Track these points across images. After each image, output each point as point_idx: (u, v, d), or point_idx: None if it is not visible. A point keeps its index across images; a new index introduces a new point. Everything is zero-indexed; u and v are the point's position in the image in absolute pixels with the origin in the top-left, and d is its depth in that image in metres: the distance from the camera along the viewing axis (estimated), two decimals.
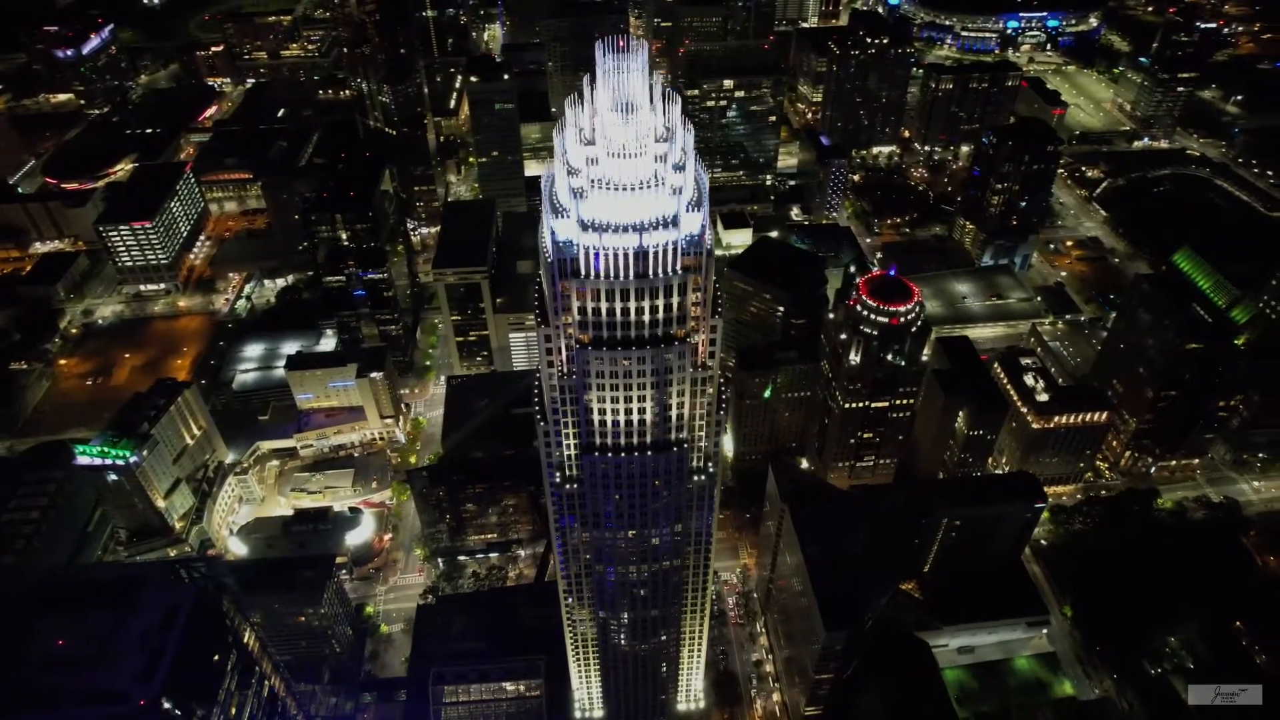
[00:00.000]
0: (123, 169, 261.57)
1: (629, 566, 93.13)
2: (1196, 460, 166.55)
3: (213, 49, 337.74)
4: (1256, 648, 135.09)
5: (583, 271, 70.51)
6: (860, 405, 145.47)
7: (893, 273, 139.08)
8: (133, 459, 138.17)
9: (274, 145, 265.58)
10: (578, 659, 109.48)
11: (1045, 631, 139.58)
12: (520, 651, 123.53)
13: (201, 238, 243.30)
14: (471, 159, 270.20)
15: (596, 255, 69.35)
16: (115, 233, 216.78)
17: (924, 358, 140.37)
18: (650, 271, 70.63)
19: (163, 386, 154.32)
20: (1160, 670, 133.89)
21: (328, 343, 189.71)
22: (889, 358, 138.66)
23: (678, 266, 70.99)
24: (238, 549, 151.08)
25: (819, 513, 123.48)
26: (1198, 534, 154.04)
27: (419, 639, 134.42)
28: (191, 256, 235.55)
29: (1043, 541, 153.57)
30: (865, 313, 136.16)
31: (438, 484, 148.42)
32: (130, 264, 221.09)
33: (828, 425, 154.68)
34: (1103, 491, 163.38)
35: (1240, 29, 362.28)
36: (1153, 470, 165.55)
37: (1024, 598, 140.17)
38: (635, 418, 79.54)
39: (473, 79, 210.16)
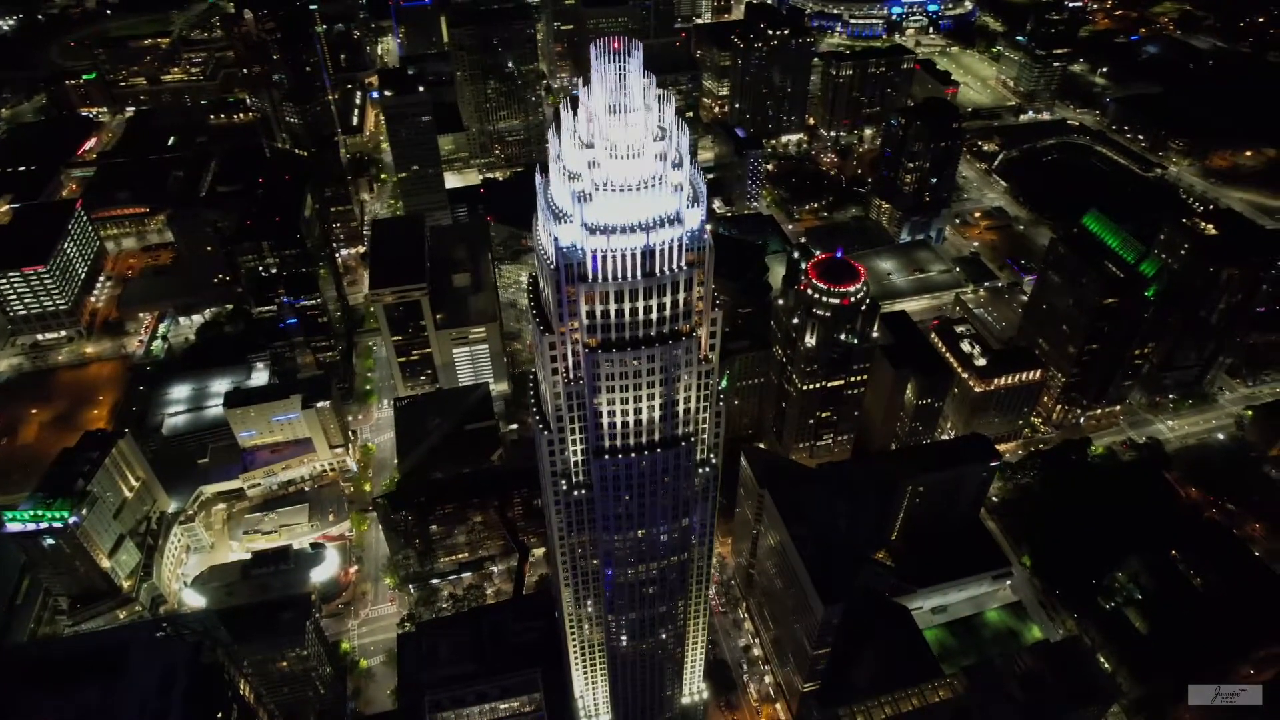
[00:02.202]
0: None
1: (638, 566, 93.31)
2: (1118, 407, 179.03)
3: (84, 77, 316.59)
4: (1191, 572, 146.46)
5: (590, 275, 70.40)
6: (817, 385, 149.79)
7: (839, 254, 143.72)
8: (72, 519, 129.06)
9: (169, 175, 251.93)
10: (583, 665, 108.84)
11: (1009, 583, 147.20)
12: (512, 667, 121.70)
13: (101, 278, 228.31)
14: (384, 175, 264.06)
15: (604, 258, 69.41)
16: (5, 280, 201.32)
17: (875, 334, 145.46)
18: (657, 270, 71.18)
19: (93, 439, 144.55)
20: (1114, 604, 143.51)
21: (260, 376, 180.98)
22: (842, 337, 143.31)
23: (682, 263, 71.78)
24: (194, 601, 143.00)
25: (797, 493, 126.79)
26: (1128, 475, 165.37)
27: (404, 669, 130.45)
28: (93, 299, 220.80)
29: (994, 498, 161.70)
30: (816, 295, 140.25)
31: (403, 509, 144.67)
32: (24, 312, 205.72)
33: (786, 408, 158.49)
34: (1041, 445, 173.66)
35: (1095, 6, 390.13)
36: (1082, 420, 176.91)
37: (986, 553, 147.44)
38: (644, 416, 79.90)
39: (386, 93, 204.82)
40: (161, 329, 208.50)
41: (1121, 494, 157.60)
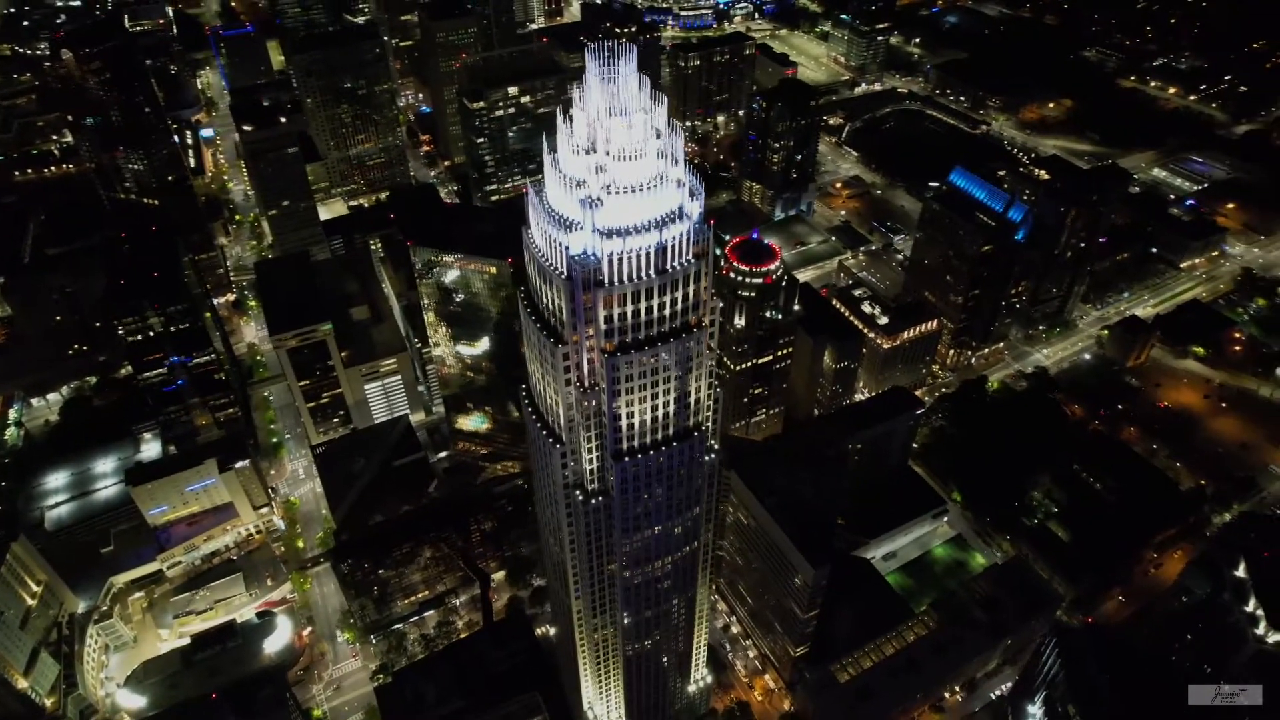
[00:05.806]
0: None
1: (653, 562, 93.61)
2: (1002, 344, 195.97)
3: None
4: (1092, 480, 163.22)
5: (606, 279, 70.18)
6: (749, 364, 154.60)
7: (755, 235, 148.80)
8: None
9: None
10: (595, 674, 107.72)
11: (946, 519, 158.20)
12: (503, 696, 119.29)
13: None
14: (238, 216, 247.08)
15: (619, 260, 69.42)
16: None
17: (796, 307, 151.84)
18: (668, 265, 72.02)
19: None
20: (1036, 520, 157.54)
21: (151, 447, 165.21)
22: (768, 314, 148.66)
23: (690, 256, 72.98)
24: (131, 703, 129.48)
25: (762, 468, 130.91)
26: (1024, 403, 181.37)
27: None
28: None
29: (915, 444, 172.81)
30: (740, 277, 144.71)
31: (353, 558, 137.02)
32: None
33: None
34: (944, 389, 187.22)
35: None
36: (973, 361, 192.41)
37: (922, 496, 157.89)
38: (660, 413, 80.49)
39: (245, 128, 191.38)
40: (12, 414, 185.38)
41: (1022, 421, 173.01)
